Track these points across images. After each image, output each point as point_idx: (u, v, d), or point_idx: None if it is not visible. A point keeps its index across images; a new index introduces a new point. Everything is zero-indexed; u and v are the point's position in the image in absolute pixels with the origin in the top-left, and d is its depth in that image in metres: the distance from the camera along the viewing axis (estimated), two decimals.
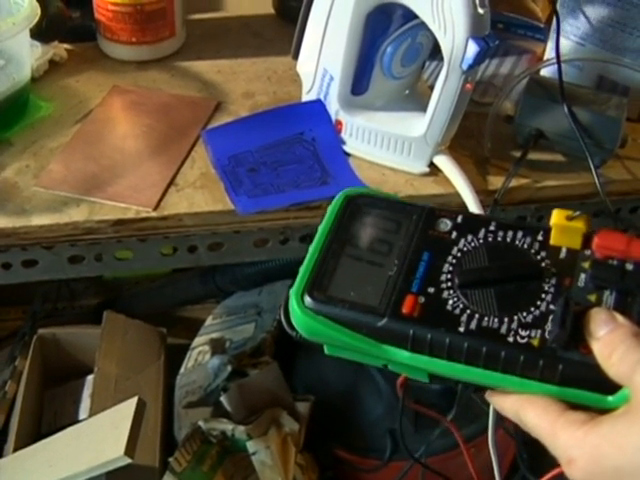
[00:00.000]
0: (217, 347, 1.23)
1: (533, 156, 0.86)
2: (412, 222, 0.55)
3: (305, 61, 0.86)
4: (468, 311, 0.49)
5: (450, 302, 0.50)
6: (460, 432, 0.93)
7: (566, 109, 0.83)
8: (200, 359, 1.27)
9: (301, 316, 0.51)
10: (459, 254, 0.53)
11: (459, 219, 0.55)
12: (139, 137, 0.87)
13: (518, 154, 0.86)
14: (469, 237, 0.54)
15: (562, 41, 0.92)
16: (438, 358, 0.49)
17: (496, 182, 0.84)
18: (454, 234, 0.54)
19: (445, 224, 0.55)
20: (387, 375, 1.18)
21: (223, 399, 1.12)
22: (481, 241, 0.53)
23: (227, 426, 1.11)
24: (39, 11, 0.83)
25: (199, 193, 0.81)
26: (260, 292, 1.32)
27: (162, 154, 0.85)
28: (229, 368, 1.17)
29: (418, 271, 0.52)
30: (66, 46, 0.98)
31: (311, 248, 0.54)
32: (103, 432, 1.00)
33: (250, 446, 1.11)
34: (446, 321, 0.49)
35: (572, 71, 0.92)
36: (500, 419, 0.70)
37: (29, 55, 0.87)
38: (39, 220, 0.77)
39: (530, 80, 0.86)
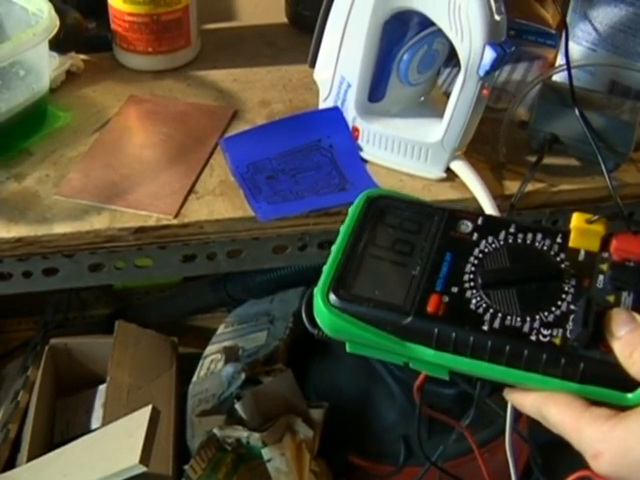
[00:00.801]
0: (230, 355, 1.23)
1: (548, 161, 0.87)
2: (433, 223, 0.56)
3: (322, 69, 0.87)
4: (491, 310, 0.51)
5: (473, 301, 0.51)
6: (474, 437, 0.93)
7: (578, 113, 0.84)
8: (213, 367, 1.27)
9: (326, 314, 0.52)
10: (481, 255, 0.54)
11: (479, 221, 0.56)
12: (157, 146, 0.88)
13: (533, 159, 0.87)
14: (490, 238, 0.55)
15: (574, 47, 0.93)
16: (462, 356, 0.50)
17: (512, 187, 0.85)
18: (475, 235, 0.55)
19: (466, 225, 0.56)
20: (400, 381, 1.18)
21: (238, 406, 1.13)
22: (502, 242, 0.55)
23: (242, 433, 1.12)
24: (58, 22, 0.84)
25: (219, 200, 0.81)
26: (272, 300, 1.33)
27: (181, 162, 0.85)
28: (243, 376, 1.17)
29: (441, 271, 0.53)
30: (82, 57, 0.99)
31: (334, 248, 0.55)
32: (117, 440, 1.00)
33: (265, 453, 1.11)
34: (470, 320, 0.50)
35: (585, 76, 0.93)
36: (515, 423, 0.70)
37: (48, 66, 0.88)
38: (61, 228, 0.78)
39: (544, 86, 0.87)
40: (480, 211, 0.80)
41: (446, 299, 0.51)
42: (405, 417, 1.19)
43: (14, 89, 0.85)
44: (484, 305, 0.51)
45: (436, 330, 0.50)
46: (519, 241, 0.55)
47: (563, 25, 0.91)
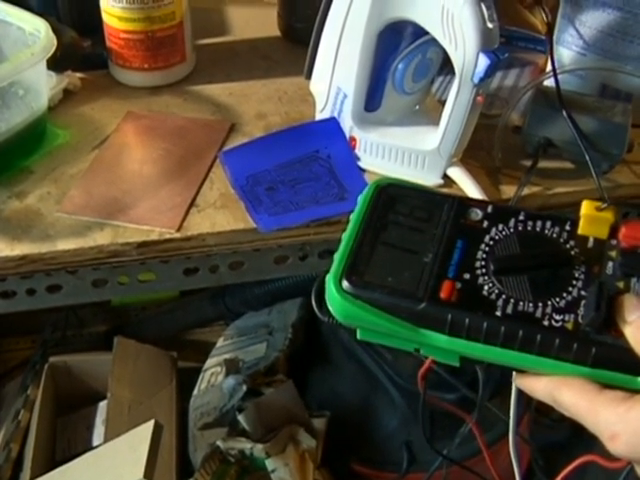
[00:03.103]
0: (231, 367, 1.24)
1: (543, 164, 0.88)
2: (444, 211, 0.57)
3: (318, 80, 0.88)
4: (503, 296, 0.51)
5: (486, 288, 0.52)
6: (477, 440, 0.94)
7: (567, 117, 0.85)
8: (213, 380, 1.28)
9: (339, 300, 0.52)
10: (491, 242, 0.55)
11: (489, 209, 0.57)
12: (156, 161, 0.88)
13: (528, 163, 0.88)
14: (500, 226, 0.56)
15: (564, 52, 0.95)
16: (475, 341, 0.51)
17: (509, 191, 0.86)
18: (485, 223, 0.56)
19: (476, 213, 0.57)
20: (401, 387, 1.19)
21: (241, 418, 1.13)
22: (512, 230, 0.55)
23: (245, 445, 1.12)
24: (55, 42, 0.84)
25: (220, 213, 0.82)
26: (270, 312, 1.33)
27: (181, 176, 0.86)
28: (244, 388, 1.18)
29: (453, 258, 0.54)
30: (79, 75, 1.00)
31: (345, 236, 0.56)
32: (121, 456, 1.00)
33: (269, 464, 1.11)
34: (483, 306, 0.51)
35: (575, 81, 0.95)
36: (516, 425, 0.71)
37: (46, 84, 0.89)
38: (64, 245, 0.78)
39: (536, 91, 0.89)
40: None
41: (459, 285, 0.52)
42: (407, 423, 1.19)
43: (14, 108, 0.86)
44: (496, 291, 0.52)
45: (449, 316, 0.51)
46: (529, 228, 0.56)
47: (553, 30, 0.93)
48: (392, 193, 0.59)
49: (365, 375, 1.23)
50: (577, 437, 1.30)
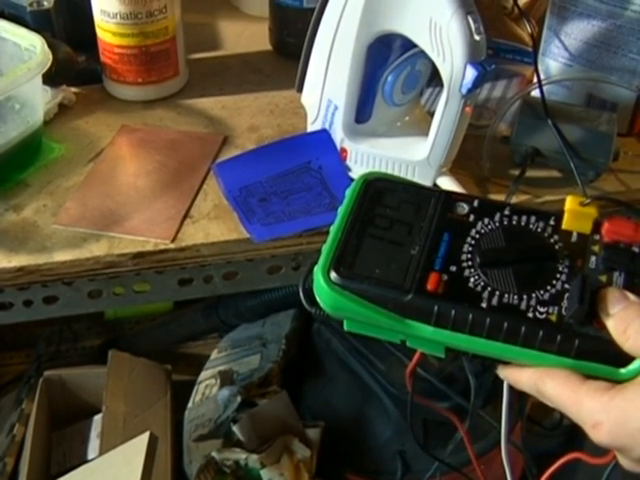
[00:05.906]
0: (225, 379, 1.25)
1: (531, 173, 0.89)
2: (430, 205, 0.58)
3: (309, 93, 0.89)
4: (489, 289, 0.53)
5: (472, 280, 0.53)
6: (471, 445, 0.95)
7: (553, 127, 0.87)
8: (208, 392, 1.28)
9: (327, 291, 0.53)
10: (477, 236, 0.56)
11: (475, 203, 0.58)
12: (151, 173, 0.90)
13: (516, 172, 0.89)
14: (486, 220, 0.57)
15: (550, 63, 0.97)
16: (460, 332, 0.52)
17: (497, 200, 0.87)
18: (472, 217, 0.57)
19: (462, 207, 0.58)
20: (394, 397, 1.20)
21: (235, 429, 1.14)
22: (497, 224, 0.57)
23: (240, 455, 1.13)
24: (51, 57, 0.86)
25: (214, 224, 0.83)
26: (264, 323, 1.34)
27: (175, 188, 0.87)
28: (239, 399, 1.18)
29: (440, 251, 0.55)
30: (74, 89, 1.01)
31: (333, 228, 0.57)
32: (116, 469, 1.01)
33: (264, 474, 1.12)
34: (469, 298, 0.52)
35: (562, 91, 0.97)
36: (509, 433, 0.72)
37: (41, 99, 0.90)
38: (61, 256, 0.79)
39: (523, 102, 0.90)
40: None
41: (445, 277, 0.53)
42: (400, 433, 1.20)
43: (10, 123, 0.87)
44: (482, 283, 0.53)
45: (436, 307, 0.52)
46: (514, 223, 0.57)
47: (539, 42, 0.94)
48: (380, 186, 0.60)
49: (358, 385, 1.24)
50: (570, 445, 1.31)
